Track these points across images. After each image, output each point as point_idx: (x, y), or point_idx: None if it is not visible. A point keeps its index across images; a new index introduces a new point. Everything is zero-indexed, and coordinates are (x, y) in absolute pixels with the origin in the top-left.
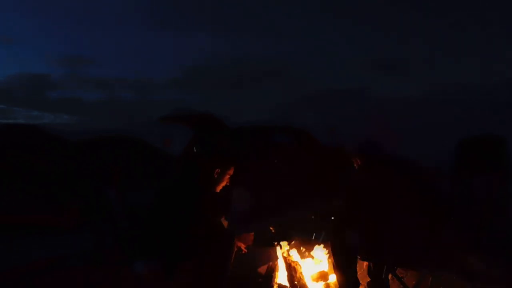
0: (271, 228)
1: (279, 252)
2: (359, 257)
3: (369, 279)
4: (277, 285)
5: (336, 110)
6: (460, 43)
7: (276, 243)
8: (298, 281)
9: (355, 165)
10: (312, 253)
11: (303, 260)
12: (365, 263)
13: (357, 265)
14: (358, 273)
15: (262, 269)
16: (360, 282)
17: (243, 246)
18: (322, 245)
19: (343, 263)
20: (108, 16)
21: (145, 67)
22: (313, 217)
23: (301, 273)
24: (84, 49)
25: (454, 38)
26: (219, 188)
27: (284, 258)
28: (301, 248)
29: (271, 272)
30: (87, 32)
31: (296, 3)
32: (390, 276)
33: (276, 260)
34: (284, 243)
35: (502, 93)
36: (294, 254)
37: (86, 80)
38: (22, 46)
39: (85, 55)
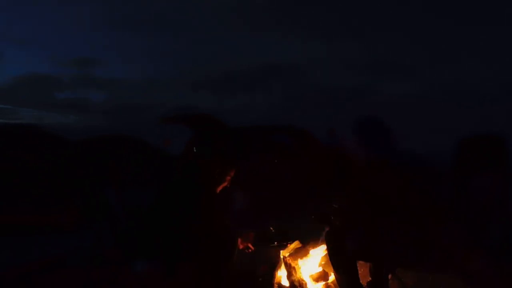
0: (271, 228)
1: (279, 252)
2: (359, 259)
3: (369, 279)
4: (277, 285)
5: (336, 110)
6: (461, 42)
7: (276, 243)
8: (298, 281)
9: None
10: (312, 253)
11: (303, 260)
12: (366, 263)
13: (358, 265)
14: (359, 273)
15: (262, 269)
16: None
17: (250, 245)
18: (322, 245)
19: (341, 265)
20: (114, 17)
21: (148, 68)
22: (313, 217)
23: (301, 273)
24: (91, 50)
25: (455, 37)
26: (219, 189)
27: (284, 258)
28: (301, 248)
29: (271, 272)
30: (94, 33)
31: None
32: (390, 276)
33: (276, 260)
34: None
35: (502, 93)
36: (294, 254)
37: (93, 81)
38: (31, 47)
39: (93, 56)
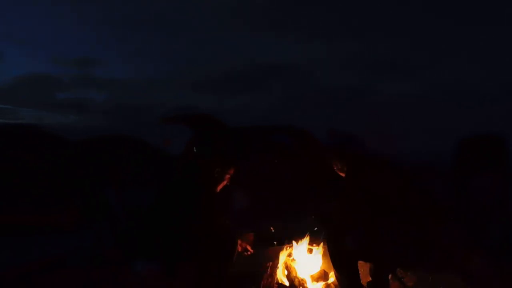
0: (271, 228)
1: (279, 252)
2: (359, 259)
3: (369, 279)
4: (277, 285)
5: (336, 110)
6: (461, 42)
7: (275, 242)
8: (298, 281)
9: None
10: (312, 253)
11: (303, 260)
12: (366, 263)
13: (358, 265)
14: (359, 273)
15: (262, 269)
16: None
17: (249, 247)
18: (322, 245)
19: (342, 266)
20: (114, 17)
21: (148, 68)
22: (313, 217)
23: (301, 273)
24: (91, 50)
25: (455, 37)
26: (219, 188)
27: (284, 258)
28: (301, 248)
29: (271, 272)
30: (94, 33)
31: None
32: (390, 276)
33: (276, 260)
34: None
35: (502, 93)
36: (294, 254)
37: (93, 81)
38: (31, 47)
39: (93, 56)
